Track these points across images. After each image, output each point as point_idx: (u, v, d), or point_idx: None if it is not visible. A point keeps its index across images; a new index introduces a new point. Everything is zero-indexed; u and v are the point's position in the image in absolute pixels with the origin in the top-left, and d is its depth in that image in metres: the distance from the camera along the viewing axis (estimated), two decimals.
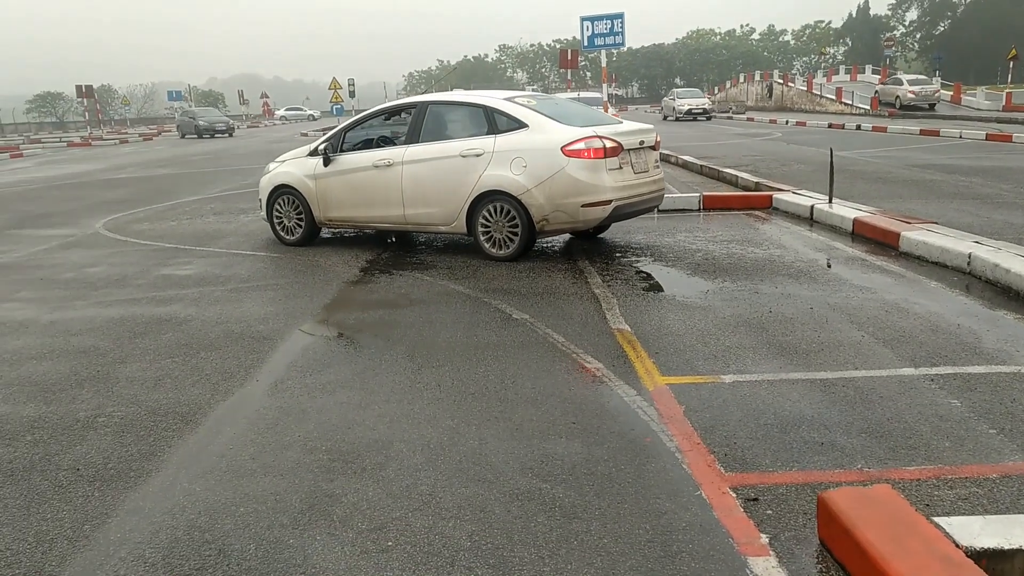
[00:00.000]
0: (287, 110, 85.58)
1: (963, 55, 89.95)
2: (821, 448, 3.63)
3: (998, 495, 3.15)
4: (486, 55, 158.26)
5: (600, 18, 21.26)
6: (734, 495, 3.23)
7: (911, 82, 42.32)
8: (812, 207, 9.81)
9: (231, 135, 46.66)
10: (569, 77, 33.85)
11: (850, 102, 46.95)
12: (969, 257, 6.66)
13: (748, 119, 45.01)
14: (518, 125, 7.79)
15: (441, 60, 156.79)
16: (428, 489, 3.38)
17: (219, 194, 15.44)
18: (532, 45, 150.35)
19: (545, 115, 7.86)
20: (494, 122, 7.92)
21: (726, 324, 5.57)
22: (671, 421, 3.97)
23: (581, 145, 7.44)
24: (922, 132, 25.49)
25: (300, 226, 9.17)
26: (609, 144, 7.52)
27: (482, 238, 7.96)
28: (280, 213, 9.25)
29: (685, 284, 6.83)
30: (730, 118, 47.92)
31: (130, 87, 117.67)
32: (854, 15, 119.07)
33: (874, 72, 59.72)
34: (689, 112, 44.48)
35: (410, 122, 8.51)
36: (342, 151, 8.82)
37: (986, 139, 22.20)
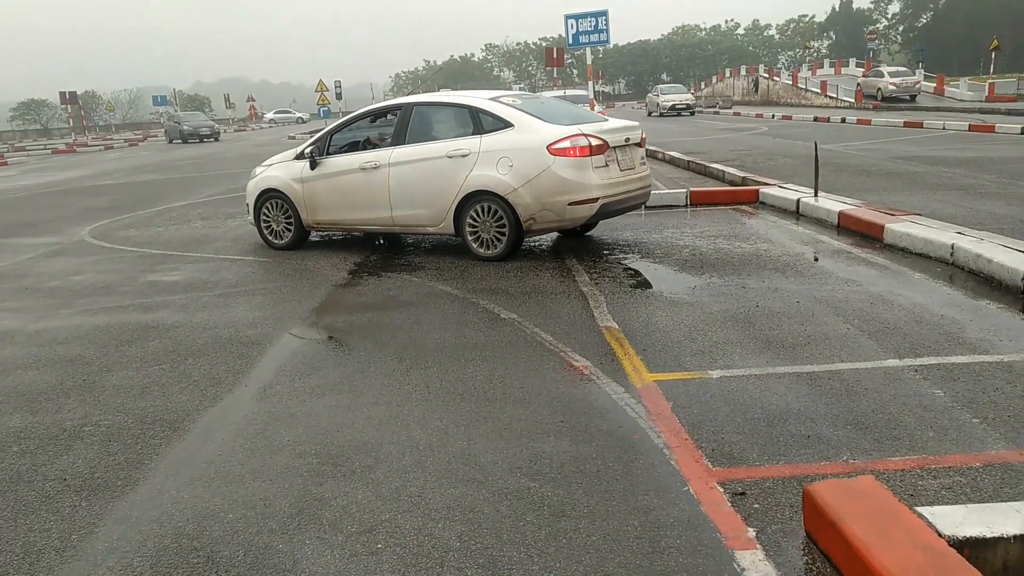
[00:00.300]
0: (276, 113, 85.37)
1: (946, 47, 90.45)
2: (807, 441, 3.65)
3: (981, 484, 3.18)
4: (472, 54, 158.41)
5: (584, 16, 21.26)
6: (721, 490, 3.25)
7: (892, 74, 42.86)
8: (798, 201, 9.86)
9: (216, 139, 46.22)
10: (555, 75, 33.91)
11: (835, 95, 47.14)
12: (952, 248, 6.71)
13: (735, 114, 45.14)
14: (504, 125, 7.80)
15: (428, 60, 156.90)
16: (417, 490, 3.39)
17: (206, 199, 15.40)
18: (518, 44, 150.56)
19: (530, 114, 7.87)
20: (480, 122, 7.93)
21: (713, 319, 5.59)
22: (659, 417, 3.99)
23: (567, 143, 7.45)
24: (906, 124, 25.62)
25: (289, 230, 9.15)
26: (595, 142, 7.54)
27: (470, 238, 7.97)
28: (268, 217, 9.23)
29: (672, 280, 6.86)
30: (717, 113, 48.04)
31: (115, 93, 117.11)
32: (837, 9, 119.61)
33: (858, 65, 59.93)
34: (673, 108, 45.10)
35: (396, 124, 8.51)
36: (328, 154, 8.81)
37: (969, 130, 22.31)
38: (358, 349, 5.45)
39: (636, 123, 8.60)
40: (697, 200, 11.13)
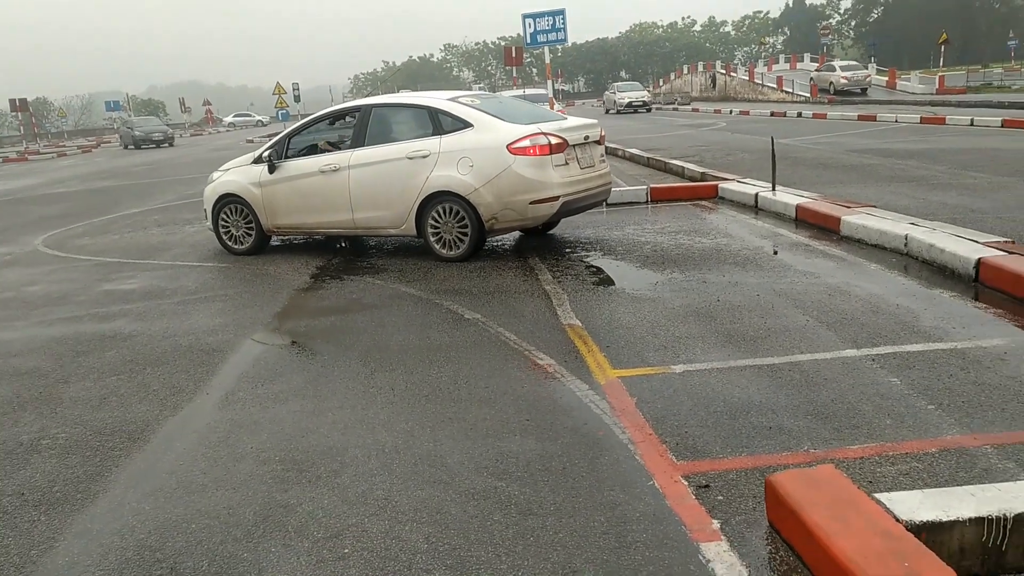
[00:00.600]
0: (235, 116, 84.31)
1: (897, 41, 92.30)
2: (769, 432, 3.71)
3: (937, 469, 3.25)
4: (431, 55, 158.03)
5: (542, 15, 21.34)
6: (686, 483, 3.29)
7: (843, 68, 44.42)
8: (757, 195, 9.98)
9: (171, 145, 45.29)
10: (515, 74, 33.92)
11: (791, 90, 47.87)
12: (906, 239, 6.84)
13: (693, 110, 45.58)
14: (463, 125, 7.79)
15: (386, 61, 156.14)
16: (384, 494, 3.38)
17: (162, 205, 15.17)
18: (477, 43, 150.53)
19: (489, 114, 7.87)
20: (439, 123, 7.91)
21: (675, 315, 5.65)
22: (623, 413, 4.02)
23: (526, 143, 7.47)
24: (860, 117, 26.09)
25: (250, 235, 9.05)
26: (554, 140, 7.56)
27: (432, 239, 7.95)
28: (227, 223, 9.12)
29: (635, 277, 6.91)
30: (675, 110, 48.49)
31: (66, 99, 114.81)
32: (791, 5, 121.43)
33: (812, 60, 60.96)
34: (630, 105, 46.08)
35: (355, 126, 8.46)
36: (287, 157, 8.73)
37: (921, 122, 22.78)
38: (321, 353, 5.41)
39: (595, 121, 8.64)
40: (657, 196, 11.22)
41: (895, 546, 2.38)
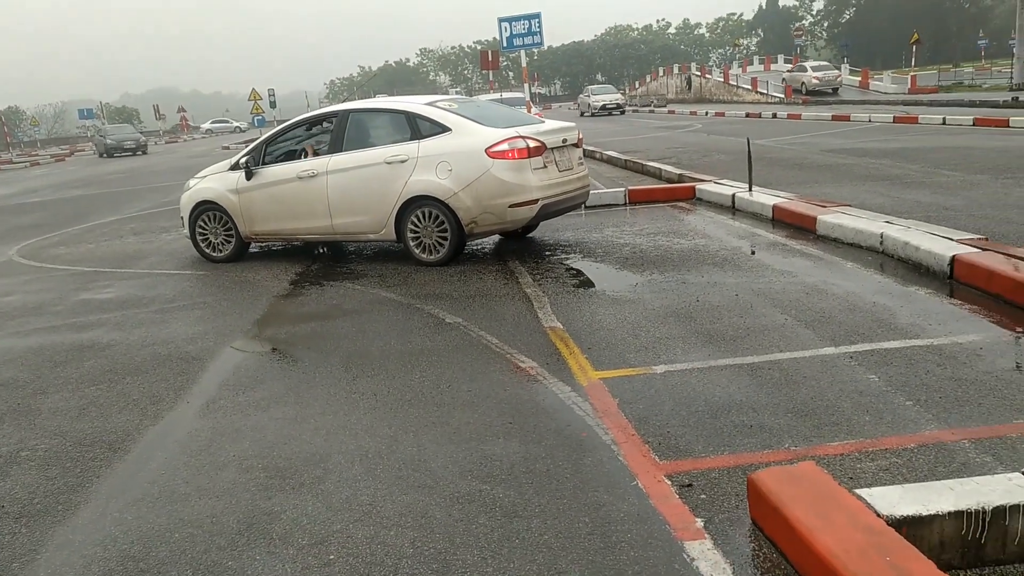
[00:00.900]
0: (213, 123, 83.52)
1: (869, 41, 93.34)
2: (750, 430, 3.74)
3: (916, 464, 3.29)
4: (408, 59, 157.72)
5: (518, 18, 21.40)
6: (669, 482, 3.31)
7: (815, 69, 45.42)
8: (734, 196, 10.06)
9: (144, 153, 44.65)
10: (492, 78, 33.97)
11: (765, 91, 48.26)
12: (881, 237, 6.92)
13: (669, 112, 45.85)
14: (441, 129, 7.79)
15: (363, 66, 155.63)
16: (368, 499, 3.37)
17: (138, 213, 15.04)
18: (453, 47, 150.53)
19: (467, 118, 7.88)
20: (417, 127, 7.91)
21: (655, 315, 5.68)
22: (606, 415, 4.04)
23: (505, 146, 7.48)
24: (834, 118, 26.36)
25: (228, 242, 9.00)
26: (532, 144, 7.58)
27: (412, 244, 7.94)
28: (205, 230, 9.06)
29: (614, 278, 6.94)
30: (652, 112, 48.74)
31: (39, 107, 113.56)
32: (764, 7, 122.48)
33: (786, 62, 61.41)
34: (604, 107, 46.84)
35: (332, 131, 8.44)
36: (264, 164, 8.69)
37: (894, 122, 23.04)
38: (303, 360, 5.39)
39: (573, 124, 8.68)
40: (636, 198, 11.27)
41: (876, 541, 2.42)
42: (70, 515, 3.47)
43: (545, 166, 7.74)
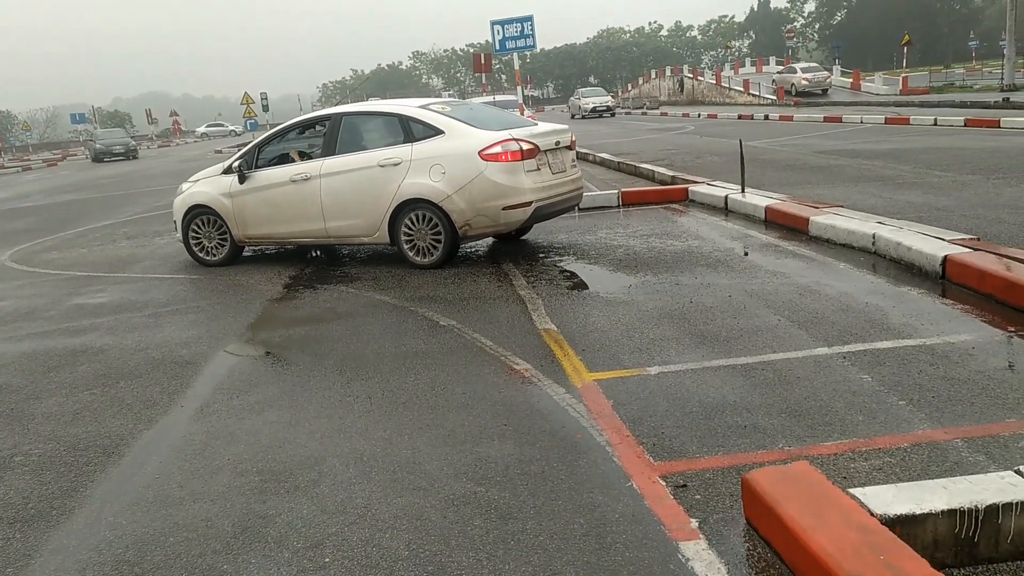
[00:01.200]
0: (208, 126, 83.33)
1: (860, 43, 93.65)
2: (744, 431, 3.75)
3: (909, 463, 3.31)
4: (400, 63, 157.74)
5: (510, 21, 21.42)
6: (664, 483, 3.32)
7: (804, 70, 46.00)
8: (726, 197, 10.08)
9: (134, 157, 44.36)
10: (484, 81, 33.99)
11: (757, 93, 48.47)
12: (874, 238, 6.95)
13: (662, 114, 45.98)
14: (434, 132, 7.80)
15: (355, 69, 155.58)
16: (363, 502, 3.37)
17: (131, 218, 15.01)
18: (446, 50, 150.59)
19: (460, 120, 7.88)
20: (410, 130, 7.91)
21: (649, 317, 5.69)
22: (600, 416, 4.05)
23: (498, 149, 7.49)
24: (826, 119, 26.43)
25: (223, 246, 8.99)
26: (526, 146, 7.59)
27: (406, 247, 7.94)
28: (199, 234, 9.04)
29: (608, 280, 6.95)
30: (644, 114, 48.85)
31: (30, 112, 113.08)
32: (756, 9, 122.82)
33: (778, 63, 61.63)
34: (594, 110, 47.44)
35: (325, 134, 8.44)
36: (257, 167, 8.68)
37: (885, 123, 23.14)
38: (297, 363, 5.38)
39: (566, 126, 8.70)
40: (629, 200, 11.29)
41: (870, 540, 2.43)
42: (64, 520, 3.46)
43: (538, 168, 7.75)
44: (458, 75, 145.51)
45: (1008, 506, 2.60)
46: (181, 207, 9.12)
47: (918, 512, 2.61)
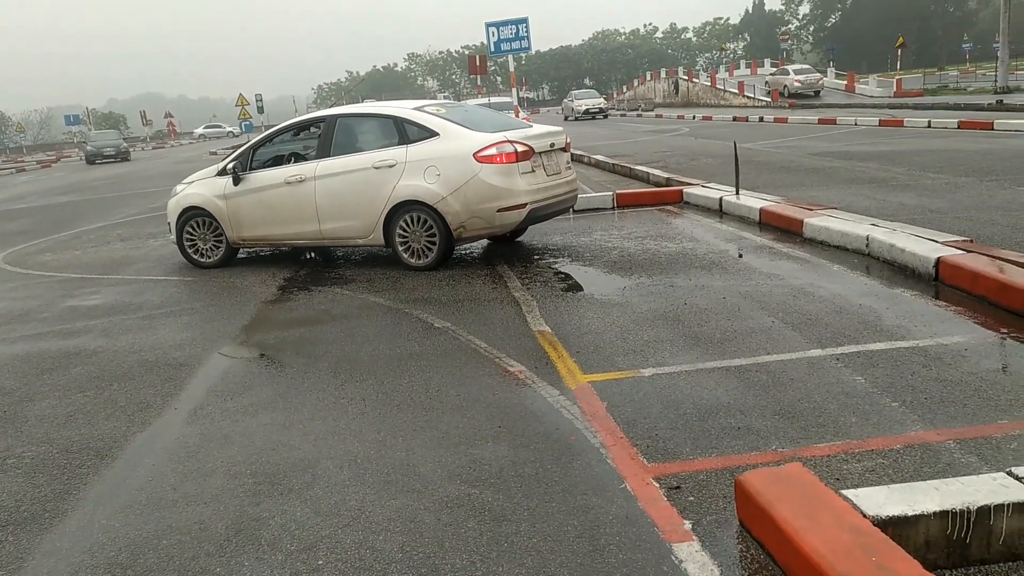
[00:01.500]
0: (206, 128, 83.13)
1: (854, 45, 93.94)
2: (738, 433, 3.76)
3: (902, 464, 3.32)
4: (395, 64, 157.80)
5: (505, 23, 21.43)
6: (657, 485, 3.32)
7: (796, 72, 46.36)
8: (721, 199, 10.10)
9: (126, 159, 44.05)
10: (479, 83, 34.00)
11: (752, 95, 48.61)
12: (867, 240, 6.97)
13: (657, 116, 46.07)
14: (429, 134, 7.80)
15: (350, 71, 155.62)
16: (357, 504, 3.37)
17: (125, 219, 14.97)
18: (441, 52, 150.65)
19: (455, 122, 7.89)
20: (405, 132, 7.91)
21: (643, 319, 5.70)
22: (594, 418, 4.05)
23: (493, 151, 7.50)
24: (820, 121, 26.50)
25: (218, 248, 8.98)
26: (520, 148, 7.60)
27: (400, 249, 7.94)
28: (193, 236, 9.03)
29: (602, 282, 6.96)
30: (639, 116, 48.91)
31: (24, 113, 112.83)
32: (750, 11, 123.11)
33: (773, 65, 61.80)
34: (587, 112, 47.85)
35: (320, 136, 8.43)
36: (252, 169, 8.67)
37: (879, 125, 23.20)
38: (291, 365, 5.38)
39: (560, 128, 8.71)
40: (624, 202, 11.31)
41: (863, 541, 2.43)
42: (57, 522, 3.45)
43: (533, 170, 7.76)
44: (453, 77, 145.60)
45: (1000, 507, 2.60)
46: (175, 209, 9.10)
47: (910, 513, 2.62)
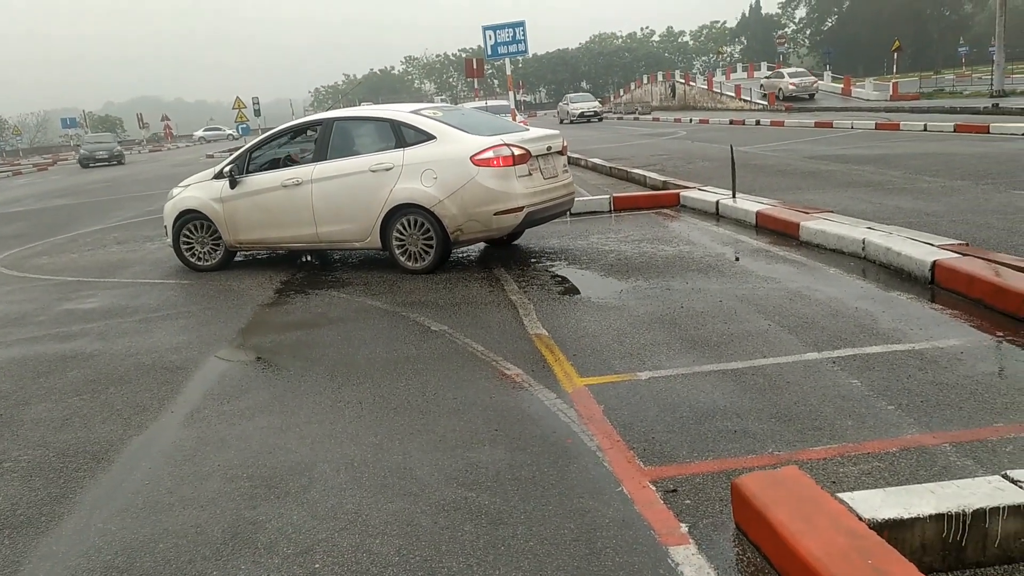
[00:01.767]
0: (206, 130, 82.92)
1: (851, 49, 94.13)
2: (734, 436, 3.76)
3: (898, 467, 3.33)
4: (392, 67, 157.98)
5: (502, 27, 21.46)
6: (654, 488, 3.32)
7: (791, 75, 46.71)
8: (717, 203, 10.12)
9: (120, 162, 43.87)
10: (476, 86, 33.99)
11: (748, 98, 48.68)
12: (863, 243, 6.98)
13: (654, 119, 46.17)
14: (426, 137, 7.80)
15: (347, 74, 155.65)
16: (354, 507, 3.37)
17: (121, 223, 14.96)
18: (438, 55, 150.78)
19: (452, 126, 7.89)
20: (402, 135, 7.92)
21: (640, 322, 5.70)
22: (591, 421, 4.05)
23: (490, 154, 7.50)
24: (817, 124, 26.55)
25: (215, 251, 8.97)
26: (517, 151, 7.61)
27: (397, 252, 7.94)
28: (190, 239, 9.02)
29: (599, 285, 6.96)
30: (636, 119, 49.05)
31: (21, 116, 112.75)
32: (747, 15, 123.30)
33: (769, 68, 61.93)
34: (582, 115, 48.40)
35: (317, 139, 8.44)
36: (248, 172, 8.67)
37: (876, 128, 23.25)
38: (288, 368, 5.38)
39: (557, 132, 8.72)
40: (620, 205, 11.32)
41: (859, 544, 2.44)
42: (53, 526, 3.45)
43: (530, 174, 7.76)
44: (450, 80, 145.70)
45: (995, 510, 2.61)
46: (172, 212, 9.10)
47: (906, 516, 2.62)
